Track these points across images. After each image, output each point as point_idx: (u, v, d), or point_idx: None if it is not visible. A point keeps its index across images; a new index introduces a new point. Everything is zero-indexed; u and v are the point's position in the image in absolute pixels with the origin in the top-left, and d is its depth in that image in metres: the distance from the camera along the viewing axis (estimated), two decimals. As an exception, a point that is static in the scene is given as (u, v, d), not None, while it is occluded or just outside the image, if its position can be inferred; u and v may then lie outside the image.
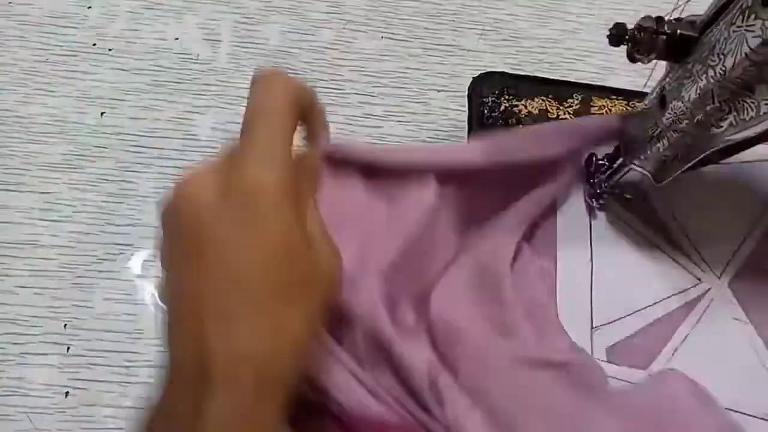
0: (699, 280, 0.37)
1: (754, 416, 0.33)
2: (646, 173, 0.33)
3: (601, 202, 0.38)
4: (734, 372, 0.34)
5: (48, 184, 0.40)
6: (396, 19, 0.47)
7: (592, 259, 0.37)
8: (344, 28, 0.46)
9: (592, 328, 0.35)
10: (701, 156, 0.29)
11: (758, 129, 0.25)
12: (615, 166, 0.36)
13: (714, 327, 0.35)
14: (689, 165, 0.30)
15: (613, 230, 0.38)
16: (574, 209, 0.39)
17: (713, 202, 0.39)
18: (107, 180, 0.41)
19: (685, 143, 0.29)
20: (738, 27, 0.24)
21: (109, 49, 0.45)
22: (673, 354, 0.35)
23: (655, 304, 0.36)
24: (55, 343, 0.36)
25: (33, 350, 0.36)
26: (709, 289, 0.36)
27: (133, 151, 0.42)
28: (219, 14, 0.47)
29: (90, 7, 0.46)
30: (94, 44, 0.45)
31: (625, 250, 0.37)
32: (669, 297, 0.36)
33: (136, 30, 0.46)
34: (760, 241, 0.38)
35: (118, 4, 0.47)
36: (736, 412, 0.33)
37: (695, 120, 0.28)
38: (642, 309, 0.36)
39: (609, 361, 0.34)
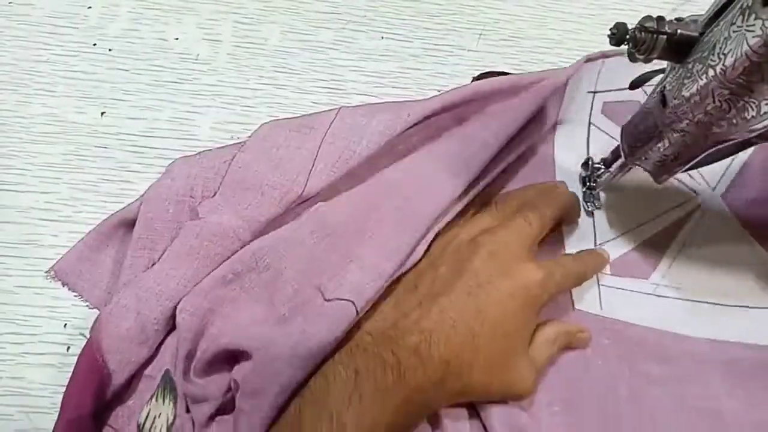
0: (695, 192, 0.39)
1: (757, 307, 0.36)
2: (646, 172, 0.33)
3: (597, 206, 0.39)
4: (733, 271, 0.37)
5: (48, 184, 0.40)
6: (396, 19, 0.47)
7: None
8: (344, 28, 0.46)
9: (596, 245, 0.38)
10: (701, 156, 0.29)
11: (758, 128, 0.26)
12: (612, 169, 0.37)
13: (709, 235, 0.38)
14: (689, 165, 0.31)
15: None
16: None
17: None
18: (107, 180, 0.41)
19: (685, 143, 0.29)
20: (738, 27, 0.24)
21: (109, 49, 0.45)
22: (672, 262, 0.37)
23: (653, 219, 0.38)
24: (54, 342, 0.36)
25: (33, 350, 0.36)
26: (702, 201, 0.39)
27: (132, 151, 0.42)
28: (219, 14, 0.47)
29: (90, 7, 0.46)
30: (94, 44, 0.45)
31: (628, 177, 0.38)
32: (666, 212, 0.39)
33: (136, 30, 0.46)
34: (750, 158, 0.40)
35: (118, 4, 0.47)
36: (739, 306, 0.36)
37: (695, 120, 0.28)
38: (642, 225, 0.38)
39: (613, 274, 0.37)
